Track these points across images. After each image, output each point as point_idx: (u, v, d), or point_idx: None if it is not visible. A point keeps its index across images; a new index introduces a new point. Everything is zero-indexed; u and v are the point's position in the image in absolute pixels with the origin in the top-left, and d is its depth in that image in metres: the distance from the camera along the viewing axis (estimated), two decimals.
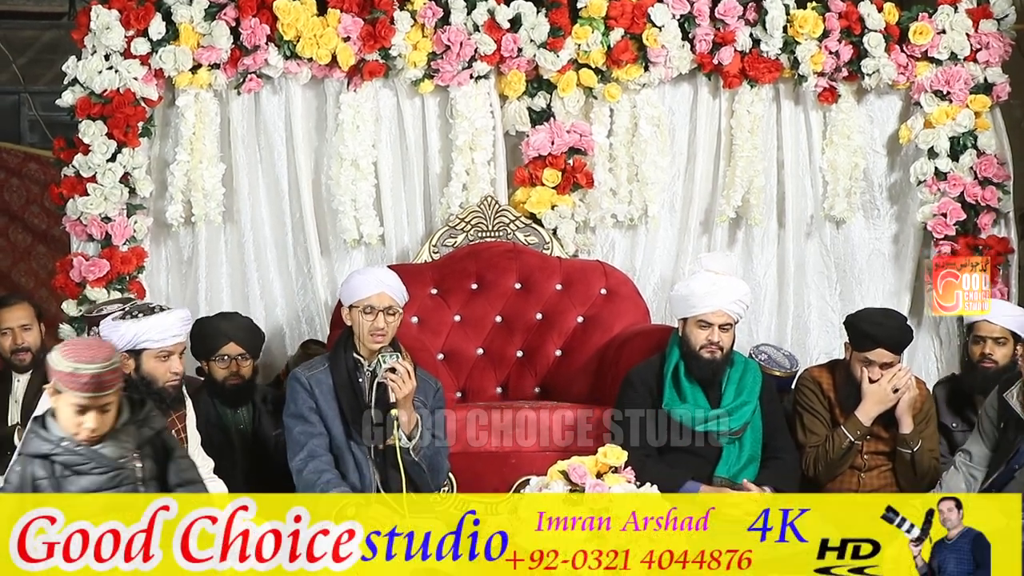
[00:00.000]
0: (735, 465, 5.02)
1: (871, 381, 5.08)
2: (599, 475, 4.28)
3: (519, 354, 5.92)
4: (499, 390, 5.89)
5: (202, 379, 5.42)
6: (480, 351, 5.92)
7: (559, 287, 5.98)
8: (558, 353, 5.89)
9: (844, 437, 5.09)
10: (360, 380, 4.87)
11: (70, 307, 5.92)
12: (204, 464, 4.82)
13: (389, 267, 5.74)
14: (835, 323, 6.22)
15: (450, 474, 5.09)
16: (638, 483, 4.30)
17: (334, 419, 4.85)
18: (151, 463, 4.05)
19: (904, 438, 5.10)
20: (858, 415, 5.09)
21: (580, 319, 5.93)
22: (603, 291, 5.98)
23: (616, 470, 4.30)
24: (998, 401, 4.75)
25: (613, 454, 4.31)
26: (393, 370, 4.72)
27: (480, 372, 5.88)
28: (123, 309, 5.10)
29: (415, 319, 5.86)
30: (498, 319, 5.96)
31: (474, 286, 5.98)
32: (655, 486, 4.31)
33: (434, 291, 5.95)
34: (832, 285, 6.41)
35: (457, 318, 5.93)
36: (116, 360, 3.94)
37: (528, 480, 4.52)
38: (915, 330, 5.73)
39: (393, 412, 4.72)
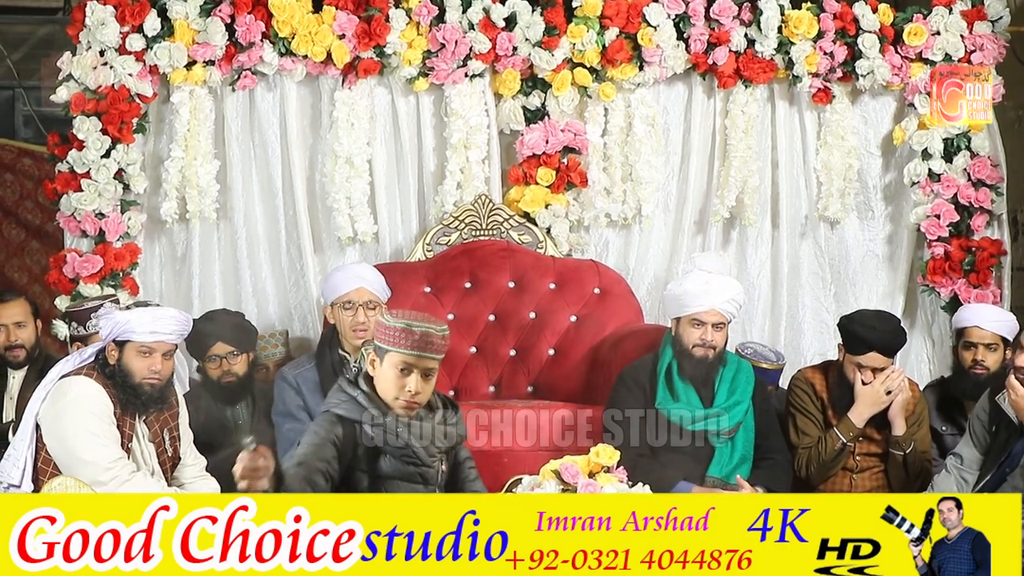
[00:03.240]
0: (727, 465, 5.02)
1: (864, 383, 5.08)
2: (591, 475, 4.28)
3: (512, 353, 5.92)
4: (492, 389, 5.89)
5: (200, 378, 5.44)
6: (473, 350, 5.92)
7: (552, 286, 5.98)
8: (551, 352, 5.89)
9: (837, 439, 5.08)
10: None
11: (63, 303, 5.91)
12: (196, 463, 4.83)
13: (381, 265, 5.76)
14: (829, 324, 6.21)
15: None
16: (630, 483, 4.30)
17: None
18: (448, 469, 4.11)
19: (897, 440, 5.10)
20: (851, 417, 5.08)
21: (573, 318, 5.93)
22: (596, 290, 5.98)
23: (608, 470, 4.30)
24: (989, 404, 4.73)
25: (605, 454, 4.30)
26: None
27: (473, 371, 5.88)
28: (102, 304, 5.11)
29: None
30: (491, 318, 5.96)
31: (467, 285, 5.98)
32: (647, 486, 4.32)
33: (427, 289, 5.95)
34: (826, 286, 6.41)
35: (450, 316, 5.93)
36: (446, 328, 3.98)
37: (520, 479, 4.52)
38: (908, 332, 5.73)
39: None
